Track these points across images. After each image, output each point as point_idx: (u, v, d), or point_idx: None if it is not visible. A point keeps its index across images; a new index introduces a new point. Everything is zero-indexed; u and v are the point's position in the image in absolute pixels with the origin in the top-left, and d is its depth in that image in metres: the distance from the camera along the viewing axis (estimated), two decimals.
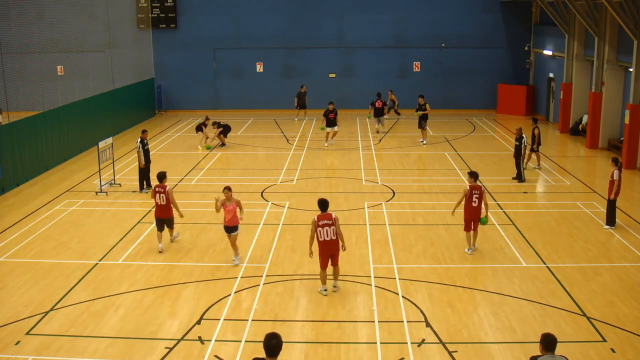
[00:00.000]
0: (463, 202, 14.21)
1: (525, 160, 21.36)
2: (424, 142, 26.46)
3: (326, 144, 26.22)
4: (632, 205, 17.86)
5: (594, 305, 11.89)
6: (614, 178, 15.74)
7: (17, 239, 15.70)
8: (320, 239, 12.03)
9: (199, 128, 25.80)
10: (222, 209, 13.58)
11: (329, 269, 12.42)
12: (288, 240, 15.40)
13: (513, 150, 20.86)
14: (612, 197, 15.86)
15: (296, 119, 32.51)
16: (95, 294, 12.57)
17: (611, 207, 16.05)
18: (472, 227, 14.22)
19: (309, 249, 12.48)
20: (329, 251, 12.14)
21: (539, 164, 22.30)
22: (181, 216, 14.85)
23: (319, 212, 12.21)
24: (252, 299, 12.26)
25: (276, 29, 34.81)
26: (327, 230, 12.01)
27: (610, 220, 16.06)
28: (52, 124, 23.04)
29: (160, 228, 14.69)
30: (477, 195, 13.90)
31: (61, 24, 29.46)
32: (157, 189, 14.64)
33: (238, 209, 13.58)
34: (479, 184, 14.32)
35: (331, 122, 25.90)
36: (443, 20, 34.41)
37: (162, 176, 14.83)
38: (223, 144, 26.13)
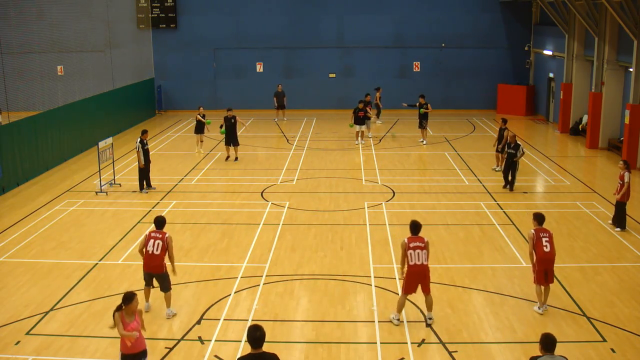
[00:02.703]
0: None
1: (502, 162, 21.22)
2: (424, 142, 26.45)
3: (356, 142, 26.29)
4: (632, 206, 17.81)
5: (594, 305, 11.89)
6: (625, 180, 15.56)
7: (17, 239, 15.70)
8: (410, 263, 11.00)
9: (199, 130, 24.68)
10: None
11: (409, 298, 11.49)
12: (288, 240, 15.39)
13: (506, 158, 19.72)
14: (619, 198, 15.72)
15: (275, 120, 32.48)
16: (95, 294, 12.56)
17: (621, 209, 15.91)
18: (546, 279, 11.67)
19: (401, 272, 11.34)
20: (419, 276, 11.07)
21: (500, 165, 21.63)
22: (175, 274, 11.77)
23: (409, 235, 11.26)
24: (252, 299, 12.26)
25: (276, 29, 34.82)
26: (418, 253, 11.00)
27: (620, 223, 15.94)
28: (52, 124, 23.04)
29: (148, 283, 11.65)
30: (547, 239, 11.61)
31: (61, 24, 29.42)
32: (152, 234, 11.41)
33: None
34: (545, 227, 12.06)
35: (360, 120, 25.84)
36: (443, 20, 34.41)
37: (161, 222, 11.62)
38: (229, 158, 24.02)
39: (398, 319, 11.28)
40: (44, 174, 22.02)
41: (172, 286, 11.55)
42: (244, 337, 10.74)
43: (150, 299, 11.81)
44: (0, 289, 12.86)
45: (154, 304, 11.93)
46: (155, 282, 11.61)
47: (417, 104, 26.34)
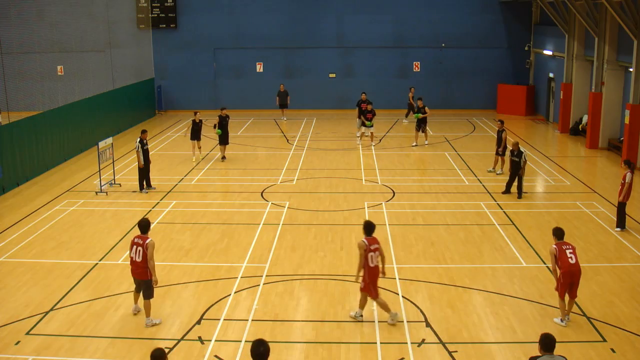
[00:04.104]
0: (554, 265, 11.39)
1: (500, 165, 21.38)
2: (426, 142, 26.31)
3: (357, 143, 26.26)
4: (632, 206, 17.79)
5: (594, 305, 11.89)
6: (626, 180, 15.54)
7: (17, 239, 15.70)
8: (371, 265, 10.99)
9: (195, 135, 23.25)
10: None
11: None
12: (288, 240, 15.39)
13: (509, 166, 19.34)
14: (621, 199, 15.72)
15: (283, 119, 32.70)
16: (95, 294, 12.56)
17: (621, 209, 15.90)
18: (570, 293, 11.26)
19: (358, 275, 11.17)
20: (377, 277, 11.12)
21: (502, 168, 21.63)
22: (155, 282, 11.30)
23: (365, 236, 11.11)
24: (252, 299, 12.26)
25: (276, 29, 34.82)
26: (378, 255, 11.08)
27: (621, 223, 15.94)
28: (52, 124, 23.04)
29: (138, 289, 11.54)
30: (570, 251, 11.20)
31: (61, 24, 29.46)
32: (135, 240, 11.21)
33: None
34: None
35: (369, 122, 25.74)
36: (443, 20, 34.41)
37: (145, 225, 11.33)
38: (224, 157, 23.80)
39: (361, 315, 11.32)
40: (44, 174, 22.02)
41: (171, 286, 11.55)
42: (244, 337, 10.76)
43: (139, 302, 11.69)
44: (0, 289, 12.86)
45: (153, 304, 11.88)
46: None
47: (416, 109, 25.99)
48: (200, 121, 23.38)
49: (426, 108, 25.91)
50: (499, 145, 21.31)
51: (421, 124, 25.95)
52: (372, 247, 10.98)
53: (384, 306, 11.22)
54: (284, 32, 34.87)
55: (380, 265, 11.20)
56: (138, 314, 11.65)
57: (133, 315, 11.64)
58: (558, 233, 11.43)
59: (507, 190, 19.18)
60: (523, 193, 18.89)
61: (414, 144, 26.16)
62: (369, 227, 11.17)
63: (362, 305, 11.40)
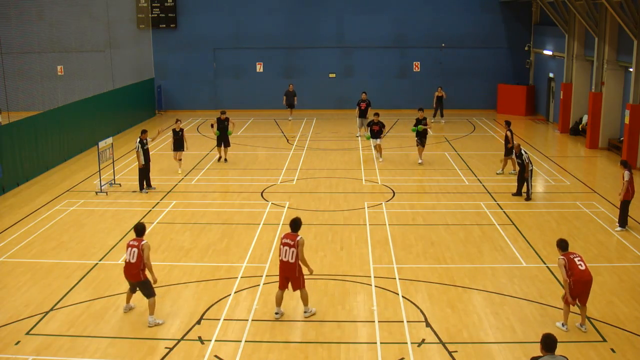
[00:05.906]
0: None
1: (502, 165, 21.41)
2: (420, 161, 23.20)
3: (380, 159, 23.51)
4: (632, 206, 17.81)
5: (594, 305, 11.88)
6: (625, 179, 15.61)
7: (17, 239, 15.70)
8: (279, 257, 11.38)
9: (179, 146, 21.52)
10: None
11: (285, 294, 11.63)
12: None
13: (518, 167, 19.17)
14: (622, 197, 15.75)
15: (289, 118, 32.82)
16: (95, 294, 12.56)
17: (624, 208, 15.92)
18: (580, 300, 10.98)
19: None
20: (285, 272, 11.34)
21: (502, 169, 21.60)
22: (155, 281, 11.35)
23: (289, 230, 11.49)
24: (252, 299, 12.26)
25: (276, 29, 34.82)
26: (286, 250, 11.21)
27: (622, 221, 15.97)
28: (52, 124, 23.04)
29: (132, 289, 11.53)
30: (579, 259, 11.00)
31: (61, 24, 29.43)
32: (130, 243, 11.21)
33: None
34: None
35: (374, 134, 23.17)
36: (443, 20, 34.42)
37: (140, 229, 11.41)
38: (221, 158, 23.51)
39: (277, 313, 11.48)
40: (44, 174, 22.02)
41: (171, 286, 11.55)
42: (244, 337, 10.76)
43: (132, 302, 11.75)
44: (0, 289, 12.86)
45: (156, 305, 11.90)
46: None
47: (416, 121, 23.04)
48: (182, 130, 21.54)
49: (427, 119, 23.15)
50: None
51: (422, 137, 22.93)
52: (283, 241, 11.30)
53: (276, 299, 11.49)
54: (284, 32, 34.87)
55: (305, 266, 11.38)
56: (130, 312, 11.69)
57: (124, 313, 11.64)
58: (562, 245, 11.21)
59: (518, 192, 18.82)
60: (523, 193, 18.86)
61: (420, 161, 23.08)
62: (290, 223, 11.48)
63: (278, 301, 11.56)
